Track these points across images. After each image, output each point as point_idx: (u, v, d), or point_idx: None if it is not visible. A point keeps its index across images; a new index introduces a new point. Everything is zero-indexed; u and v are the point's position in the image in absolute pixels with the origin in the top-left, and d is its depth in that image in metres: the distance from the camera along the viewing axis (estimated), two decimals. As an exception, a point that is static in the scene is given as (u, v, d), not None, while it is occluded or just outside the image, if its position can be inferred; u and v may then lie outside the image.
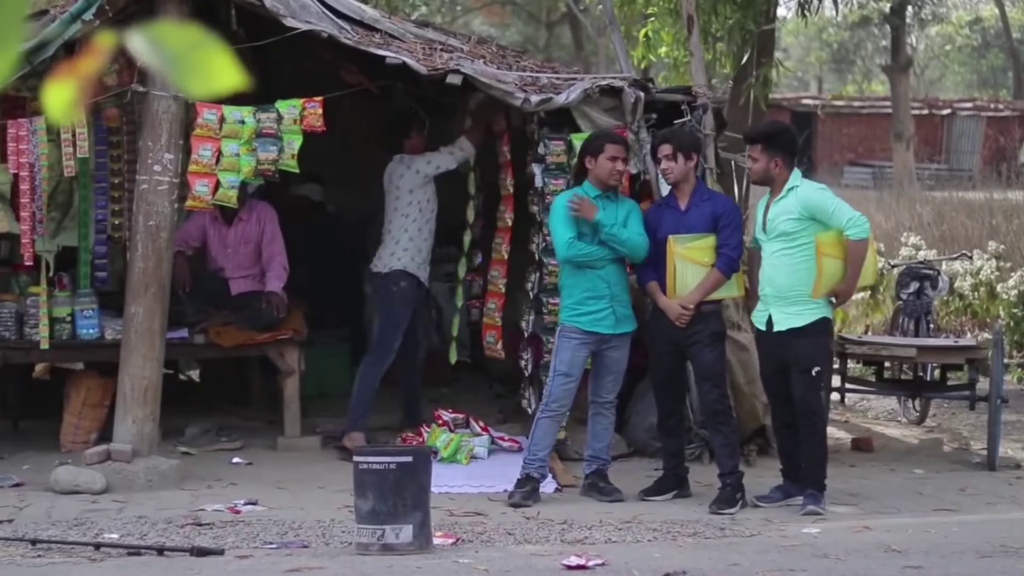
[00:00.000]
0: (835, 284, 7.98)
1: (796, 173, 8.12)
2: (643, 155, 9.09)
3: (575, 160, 8.68)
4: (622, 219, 8.22)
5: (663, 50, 14.31)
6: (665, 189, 8.81)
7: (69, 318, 9.44)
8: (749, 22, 13.23)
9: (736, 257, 8.23)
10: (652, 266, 8.28)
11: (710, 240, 8.15)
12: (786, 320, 8.03)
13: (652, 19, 14.34)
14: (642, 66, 14.08)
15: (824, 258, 7.97)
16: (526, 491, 8.13)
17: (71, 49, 8.53)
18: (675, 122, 9.15)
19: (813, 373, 8.10)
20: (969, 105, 39.30)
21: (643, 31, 14.24)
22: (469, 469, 9.03)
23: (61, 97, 2.27)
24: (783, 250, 8.02)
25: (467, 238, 10.25)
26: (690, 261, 8.15)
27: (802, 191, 8.05)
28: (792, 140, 8.38)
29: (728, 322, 8.78)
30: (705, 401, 8.42)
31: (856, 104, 39.75)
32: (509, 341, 9.86)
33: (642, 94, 9.22)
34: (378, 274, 9.68)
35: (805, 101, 39.98)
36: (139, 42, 2.21)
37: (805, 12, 15.12)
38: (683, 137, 8.38)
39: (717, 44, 13.64)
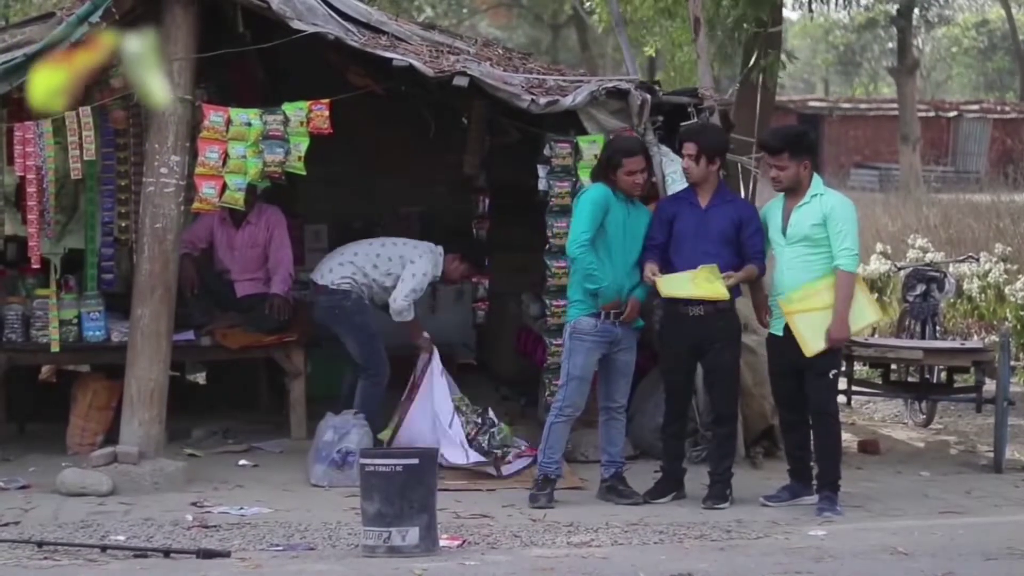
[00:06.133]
0: (821, 333, 7.96)
1: (817, 179, 8.13)
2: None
3: (594, 164, 8.63)
4: (640, 229, 8.22)
5: (648, 48, 14.29)
6: (671, 190, 8.80)
7: (76, 320, 9.45)
8: (753, 18, 13.21)
9: (764, 259, 8.21)
10: (656, 261, 8.26)
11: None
12: None
13: (646, 19, 14.33)
14: (653, 75, 14.08)
15: (794, 317, 7.99)
16: (548, 493, 8.17)
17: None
18: (681, 126, 9.12)
19: (830, 376, 8.13)
20: (976, 107, 39.30)
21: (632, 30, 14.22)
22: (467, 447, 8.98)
23: (45, 83, 2.27)
24: (804, 256, 8.01)
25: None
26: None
27: (827, 199, 8.06)
28: (813, 141, 8.53)
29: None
30: (719, 403, 8.39)
31: (863, 106, 39.74)
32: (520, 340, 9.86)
33: (648, 96, 9.21)
34: (324, 287, 9.34)
35: (812, 103, 39.99)
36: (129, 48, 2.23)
37: (811, 7, 15.14)
38: (710, 139, 8.33)
39: (721, 49, 13.64)
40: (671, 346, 8.36)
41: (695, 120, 9.11)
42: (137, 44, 2.28)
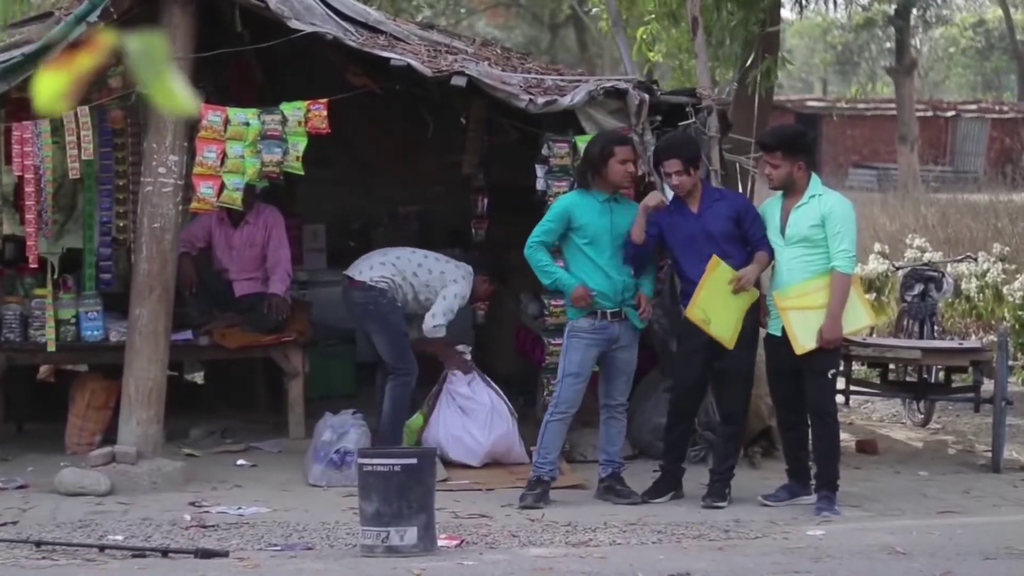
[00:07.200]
0: (813, 332, 7.95)
1: (816, 180, 8.13)
2: (647, 157, 9.07)
3: (579, 164, 8.65)
4: (628, 224, 8.21)
5: (654, 54, 14.27)
6: (671, 192, 8.80)
7: (74, 320, 9.44)
8: (752, 21, 13.21)
9: (768, 242, 8.19)
10: (651, 275, 8.34)
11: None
12: None
13: (649, 21, 14.31)
14: (646, 70, 14.07)
15: (788, 312, 7.99)
16: (537, 493, 8.15)
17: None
18: (679, 125, 9.12)
19: (829, 376, 8.13)
20: (974, 107, 39.31)
21: (640, 31, 14.21)
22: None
23: (50, 87, 2.27)
24: (803, 256, 8.01)
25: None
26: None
27: (826, 199, 8.06)
28: (810, 142, 8.51)
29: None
30: (731, 401, 8.38)
31: (861, 106, 39.74)
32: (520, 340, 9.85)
33: (647, 96, 9.20)
34: (361, 283, 9.12)
35: (810, 103, 40.00)
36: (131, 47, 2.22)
37: (802, 4, 15.13)
38: (688, 149, 8.30)
39: (719, 49, 13.61)
40: (688, 346, 8.33)
41: (675, 131, 9.01)
42: (145, 50, 2.28)
